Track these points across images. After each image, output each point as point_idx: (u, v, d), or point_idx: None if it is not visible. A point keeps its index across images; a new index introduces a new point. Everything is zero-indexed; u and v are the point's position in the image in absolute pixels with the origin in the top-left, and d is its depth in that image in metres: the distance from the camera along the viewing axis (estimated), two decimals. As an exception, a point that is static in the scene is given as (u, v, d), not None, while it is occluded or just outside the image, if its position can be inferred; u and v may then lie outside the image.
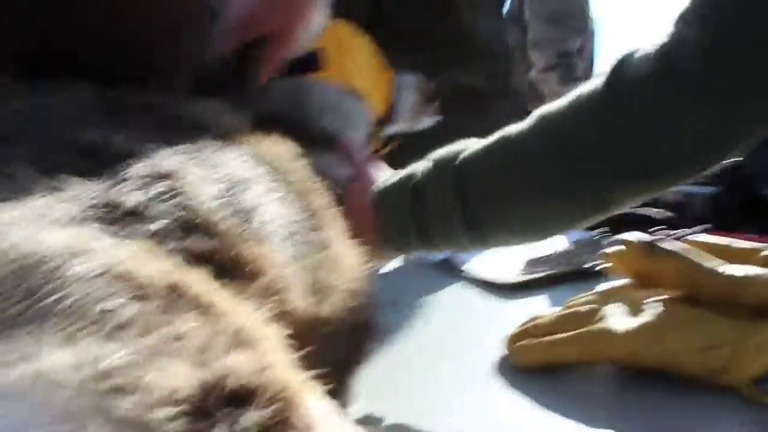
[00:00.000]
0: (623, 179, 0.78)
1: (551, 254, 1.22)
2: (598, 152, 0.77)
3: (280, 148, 0.69)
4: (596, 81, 0.79)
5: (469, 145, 0.86)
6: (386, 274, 1.24)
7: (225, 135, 0.62)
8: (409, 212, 0.86)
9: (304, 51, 1.00)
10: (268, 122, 0.89)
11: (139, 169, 0.50)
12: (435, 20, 1.79)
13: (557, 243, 1.32)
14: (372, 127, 1.20)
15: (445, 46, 1.77)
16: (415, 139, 1.43)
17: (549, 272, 1.18)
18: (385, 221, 0.88)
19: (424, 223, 0.86)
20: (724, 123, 0.75)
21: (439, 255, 1.28)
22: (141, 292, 0.38)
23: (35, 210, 0.43)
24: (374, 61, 1.23)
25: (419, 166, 0.89)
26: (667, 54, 0.74)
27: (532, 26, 2.79)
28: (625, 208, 0.83)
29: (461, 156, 0.85)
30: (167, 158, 0.52)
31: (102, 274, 0.39)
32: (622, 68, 0.77)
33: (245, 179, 0.56)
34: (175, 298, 0.39)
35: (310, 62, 1.04)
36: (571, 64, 2.69)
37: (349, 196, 0.92)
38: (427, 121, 1.38)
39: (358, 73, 1.16)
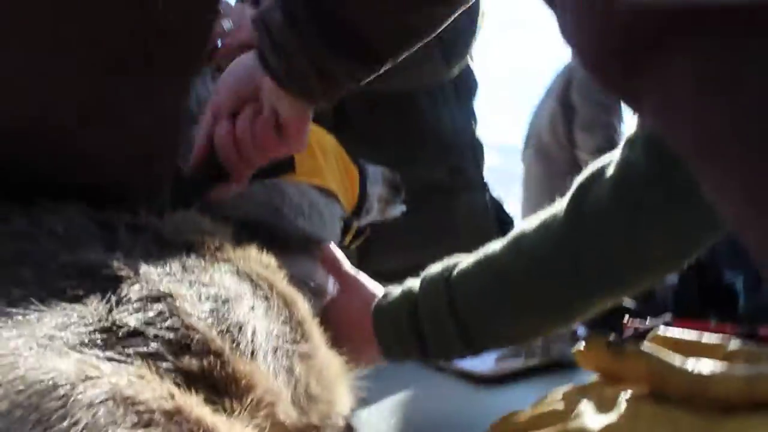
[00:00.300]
0: (590, 296, 0.87)
1: (521, 347, 1.25)
2: (567, 274, 0.85)
3: (261, 261, 0.72)
4: (562, 205, 0.87)
5: (459, 263, 0.94)
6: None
7: (210, 251, 0.66)
8: (406, 327, 0.93)
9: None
10: (245, 228, 0.93)
11: (136, 291, 0.53)
12: (396, 119, 1.81)
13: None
14: (345, 221, 1.24)
15: (407, 143, 1.79)
16: (384, 231, 1.48)
17: (525, 365, 1.20)
18: (384, 334, 0.95)
19: (422, 337, 0.93)
20: (677, 240, 0.84)
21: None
22: (146, 417, 0.41)
23: (42, 335, 0.46)
24: (342, 158, 1.27)
25: (415, 282, 0.95)
26: (617, 181, 0.83)
27: (580, 110, 2.84)
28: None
29: (453, 275, 0.92)
30: (161, 280, 0.55)
31: (107, 400, 0.41)
32: (582, 196, 0.85)
33: (232, 297, 0.59)
34: (177, 422, 0.41)
35: (282, 164, 1.08)
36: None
37: (335, 305, 0.98)
38: (396, 211, 1.42)
39: (328, 171, 1.19)
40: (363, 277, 1.03)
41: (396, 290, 0.98)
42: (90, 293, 0.52)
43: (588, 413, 0.77)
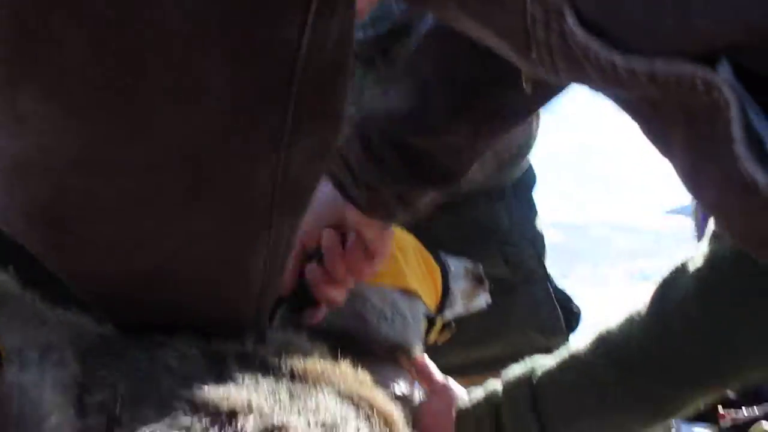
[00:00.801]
0: (680, 393, 0.86)
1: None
2: (655, 372, 0.85)
3: (358, 378, 0.75)
4: (645, 304, 0.88)
5: (541, 364, 0.94)
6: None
7: (312, 375, 0.69)
8: (490, 429, 0.94)
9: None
10: (332, 338, 0.96)
11: (251, 425, 0.56)
12: (451, 216, 1.79)
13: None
14: (429, 318, 1.25)
15: (463, 240, 1.75)
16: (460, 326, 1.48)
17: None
18: None
19: None
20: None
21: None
22: None
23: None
24: (422, 254, 1.28)
25: (497, 386, 0.97)
26: (703, 276, 0.83)
27: None
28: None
29: (535, 376, 0.93)
30: (272, 412, 0.59)
31: None
32: (667, 292, 0.86)
33: (339, 422, 0.62)
34: None
35: None
36: None
37: (422, 410, 0.99)
38: (481, 302, 1.42)
39: (409, 270, 1.20)
40: (452, 383, 1.05)
41: (479, 393, 0.99)
42: (210, 427, 0.55)
43: None
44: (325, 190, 1.00)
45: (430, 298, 1.24)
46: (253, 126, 0.58)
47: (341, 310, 1.08)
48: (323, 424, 0.61)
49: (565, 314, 1.89)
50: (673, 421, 1.26)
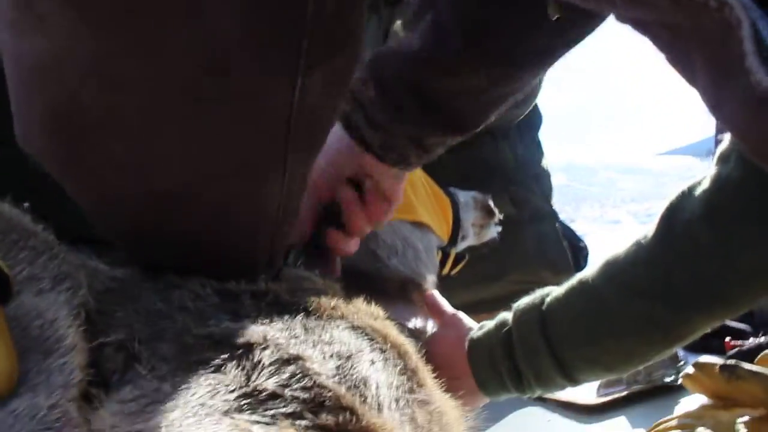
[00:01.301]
0: (686, 317, 0.85)
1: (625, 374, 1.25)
2: (660, 296, 0.84)
3: (371, 313, 0.75)
4: (652, 228, 0.87)
5: (551, 291, 0.94)
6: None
7: (325, 310, 0.70)
8: (502, 360, 0.93)
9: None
10: (344, 276, 0.97)
11: (267, 356, 0.57)
12: (454, 154, 1.79)
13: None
14: (443, 250, 1.25)
15: (468, 178, 1.74)
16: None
17: (627, 391, 1.20)
18: (479, 366, 0.95)
19: (517, 368, 0.93)
20: None
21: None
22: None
23: (195, 404, 0.50)
24: (432, 188, 1.29)
25: (507, 315, 0.96)
26: (710, 197, 0.82)
27: None
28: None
29: (545, 304, 0.92)
30: (288, 343, 0.59)
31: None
32: (673, 214, 0.85)
33: (353, 353, 0.63)
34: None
35: None
36: None
37: (433, 341, 1.00)
38: (492, 233, 1.42)
39: (419, 203, 1.21)
40: (462, 315, 1.05)
41: (490, 323, 0.99)
42: (227, 362, 0.56)
43: (707, 438, 0.77)
44: (341, 142, 0.99)
45: (441, 230, 1.24)
46: (271, 43, 0.57)
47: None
48: (338, 356, 0.61)
49: (572, 251, 1.91)
50: (680, 351, 1.27)
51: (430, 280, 1.13)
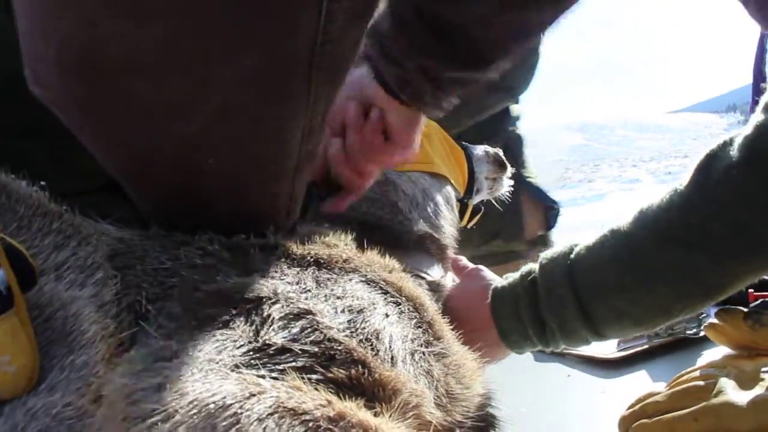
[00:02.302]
0: (723, 267, 0.81)
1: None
2: (697, 243, 0.81)
3: (386, 265, 0.74)
4: (688, 176, 0.83)
5: (579, 242, 0.90)
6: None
7: (338, 263, 0.68)
8: (525, 309, 0.90)
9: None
10: (364, 229, 0.96)
11: (277, 310, 0.55)
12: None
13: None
14: (460, 202, 1.24)
15: None
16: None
17: (648, 345, 1.19)
18: (503, 318, 0.93)
19: (541, 319, 0.90)
20: None
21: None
22: (312, 426, 0.43)
23: (202, 360, 0.49)
24: (447, 140, 1.27)
25: (534, 266, 0.93)
26: (753, 143, 0.78)
27: None
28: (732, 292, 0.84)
29: (573, 253, 0.89)
30: (298, 297, 0.58)
31: (273, 413, 0.44)
32: (712, 162, 0.81)
33: (366, 306, 0.61)
34: (343, 427, 0.44)
35: None
36: None
37: (455, 292, 1.01)
38: (505, 187, 1.41)
39: (437, 155, 1.20)
40: (484, 268, 1.04)
41: (515, 273, 0.96)
42: (235, 317, 0.55)
43: (730, 389, 0.76)
44: (357, 74, 0.97)
45: (458, 182, 1.23)
46: None
47: (374, 199, 1.07)
48: (350, 310, 0.60)
49: (544, 211, 1.99)
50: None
51: (449, 233, 1.12)
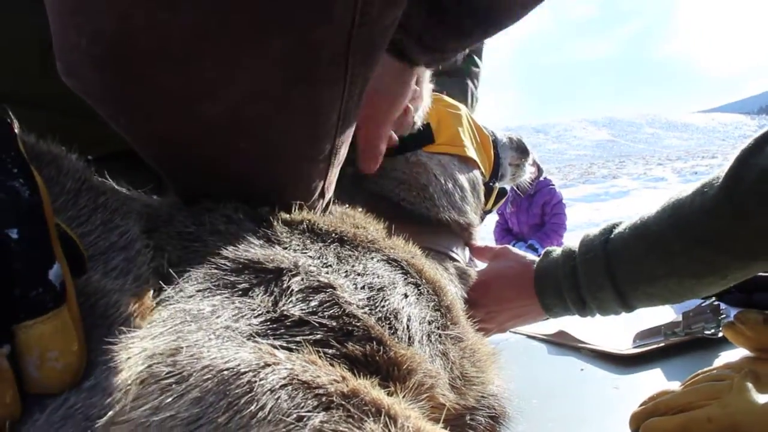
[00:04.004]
0: (745, 265, 0.87)
1: (661, 325, 1.22)
2: (724, 246, 0.86)
3: (409, 250, 0.73)
4: (720, 172, 0.87)
5: (617, 225, 1.01)
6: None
7: (362, 242, 0.68)
8: (568, 290, 1.02)
9: (415, 127, 1.07)
10: (394, 210, 0.96)
11: (297, 283, 0.55)
12: None
13: (664, 314, 1.33)
14: (486, 185, 1.24)
15: None
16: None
17: (664, 343, 1.18)
18: (547, 295, 1.06)
19: (582, 298, 1.02)
20: None
21: (552, 329, 1.33)
22: (325, 400, 0.43)
23: (219, 326, 0.49)
24: (475, 124, 1.26)
25: (573, 249, 1.04)
26: None
27: None
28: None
29: (609, 242, 0.99)
30: (319, 271, 0.58)
31: (287, 385, 0.44)
32: (743, 168, 0.83)
33: (386, 285, 0.61)
34: (356, 404, 0.43)
35: (423, 136, 1.11)
36: None
37: (493, 269, 1.12)
38: (526, 174, 1.41)
39: (466, 138, 1.20)
40: (510, 247, 1.16)
41: (555, 251, 1.08)
42: (255, 286, 0.55)
43: (746, 390, 0.75)
44: None
45: (484, 166, 1.23)
46: None
47: (404, 181, 1.08)
48: (370, 287, 0.60)
49: None
50: (722, 304, 1.25)
51: (473, 219, 1.12)
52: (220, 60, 0.58)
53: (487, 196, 1.25)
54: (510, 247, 1.16)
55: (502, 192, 1.32)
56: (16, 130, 0.48)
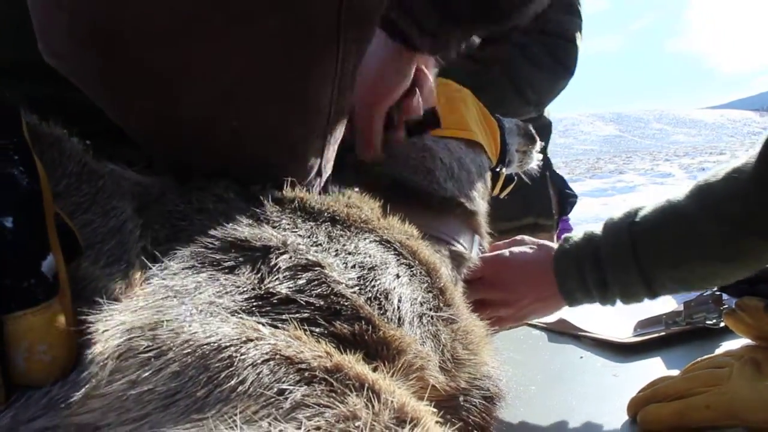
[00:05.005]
0: None
1: (662, 314, 1.21)
2: (755, 227, 0.85)
3: (405, 231, 0.72)
4: (750, 157, 0.86)
5: (641, 209, 0.98)
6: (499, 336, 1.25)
7: (354, 221, 0.67)
8: (590, 273, 0.98)
9: (422, 111, 1.06)
10: (396, 188, 0.94)
11: (285, 261, 0.54)
12: None
13: (666, 303, 1.31)
14: (493, 171, 1.23)
15: None
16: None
17: (665, 332, 1.17)
18: (567, 279, 1.01)
19: (605, 282, 0.98)
20: None
21: (552, 317, 1.31)
22: (307, 375, 0.42)
23: (202, 302, 0.48)
24: (481, 109, 1.25)
25: (596, 231, 1.01)
26: None
27: None
28: None
29: (635, 224, 0.96)
30: (308, 249, 0.57)
31: (269, 360, 0.43)
32: None
33: (378, 265, 0.60)
34: (339, 379, 0.42)
35: (429, 121, 1.09)
36: None
37: (517, 262, 1.07)
38: (533, 161, 1.39)
39: (473, 123, 1.18)
40: (525, 237, 1.13)
41: (577, 235, 1.04)
42: (242, 264, 0.54)
43: (745, 378, 0.74)
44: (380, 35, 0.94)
45: (491, 151, 1.21)
46: None
47: (411, 164, 1.06)
48: (360, 266, 0.59)
49: (559, 198, 2.09)
50: (724, 294, 1.24)
51: (479, 205, 1.10)
52: (213, 40, 0.57)
53: (494, 181, 1.24)
54: (524, 236, 1.13)
55: (510, 178, 1.31)
56: (21, 115, 0.47)
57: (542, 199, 2.02)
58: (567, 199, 2.10)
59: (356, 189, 0.79)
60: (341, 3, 0.58)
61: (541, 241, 1.09)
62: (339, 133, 0.73)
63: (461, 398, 0.59)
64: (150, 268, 0.53)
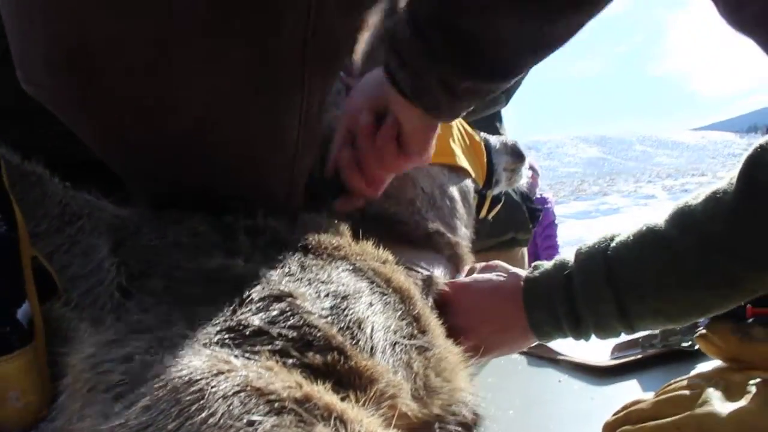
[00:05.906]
0: (756, 271, 0.81)
1: (639, 337, 1.22)
2: (733, 248, 0.80)
3: (378, 256, 0.73)
4: (732, 178, 0.82)
5: (616, 235, 0.90)
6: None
7: (326, 249, 0.68)
8: (561, 304, 0.90)
9: None
10: (378, 221, 0.94)
11: (257, 292, 0.55)
12: None
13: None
14: (479, 193, 1.22)
15: None
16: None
17: (641, 355, 1.18)
18: (537, 311, 0.91)
19: (576, 313, 0.89)
20: None
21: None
22: (277, 406, 0.43)
23: (174, 335, 0.49)
24: (466, 130, 1.25)
25: (567, 259, 0.92)
26: None
27: None
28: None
29: (610, 250, 0.89)
30: (280, 280, 0.58)
31: (240, 391, 0.44)
32: (754, 170, 0.80)
33: (351, 294, 0.61)
34: (308, 409, 0.43)
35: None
36: None
37: (479, 290, 0.97)
38: (522, 180, 1.39)
39: (457, 147, 1.17)
40: (500, 262, 1.02)
41: (546, 264, 0.95)
42: (215, 296, 0.55)
43: (715, 399, 0.75)
44: (373, 76, 0.95)
45: (477, 173, 1.20)
46: None
47: (391, 194, 1.03)
48: (333, 295, 0.60)
49: (529, 212, 2.09)
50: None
51: (463, 233, 1.09)
52: (181, 72, 0.59)
53: (481, 204, 1.24)
54: (499, 262, 1.03)
55: (497, 199, 1.31)
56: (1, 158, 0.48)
57: (518, 214, 2.06)
58: (534, 213, 2.15)
59: (326, 215, 0.80)
60: (305, 38, 0.60)
61: (513, 269, 0.99)
62: (306, 165, 0.75)
63: (436, 425, 0.60)
64: (123, 305, 0.54)
